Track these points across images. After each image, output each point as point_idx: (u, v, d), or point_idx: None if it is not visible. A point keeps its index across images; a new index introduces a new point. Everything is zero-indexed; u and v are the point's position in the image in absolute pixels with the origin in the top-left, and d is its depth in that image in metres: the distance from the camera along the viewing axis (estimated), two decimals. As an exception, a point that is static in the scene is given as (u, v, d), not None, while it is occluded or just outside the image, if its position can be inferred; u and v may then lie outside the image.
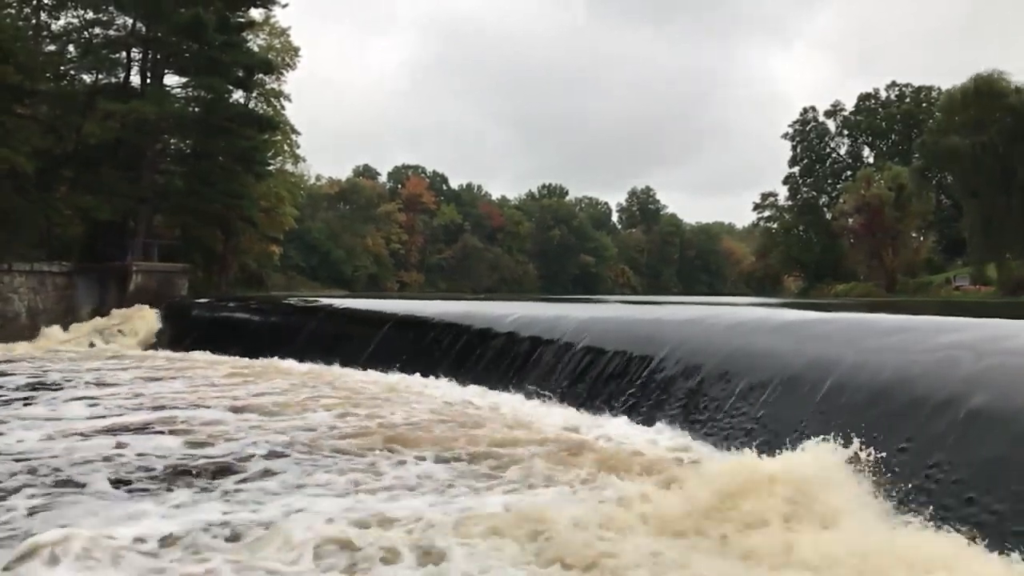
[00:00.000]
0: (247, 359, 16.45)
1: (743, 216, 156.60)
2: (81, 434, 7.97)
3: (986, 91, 42.38)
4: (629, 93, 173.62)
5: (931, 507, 4.76)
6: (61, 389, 11.57)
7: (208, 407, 9.88)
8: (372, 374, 13.51)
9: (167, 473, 6.42)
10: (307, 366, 14.95)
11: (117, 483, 6.06)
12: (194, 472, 6.49)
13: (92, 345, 20.35)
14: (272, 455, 7.13)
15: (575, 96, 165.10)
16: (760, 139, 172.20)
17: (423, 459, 6.98)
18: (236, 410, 9.69)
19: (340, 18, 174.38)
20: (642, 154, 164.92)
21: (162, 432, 8.13)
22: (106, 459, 6.81)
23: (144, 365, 15.74)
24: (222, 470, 6.58)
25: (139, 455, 7.01)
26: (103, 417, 9.10)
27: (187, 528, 4.88)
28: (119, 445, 7.36)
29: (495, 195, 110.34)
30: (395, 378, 12.83)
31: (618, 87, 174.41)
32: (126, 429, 8.33)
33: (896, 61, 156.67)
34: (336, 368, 14.52)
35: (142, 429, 8.34)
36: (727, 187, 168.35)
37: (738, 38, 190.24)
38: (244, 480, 6.25)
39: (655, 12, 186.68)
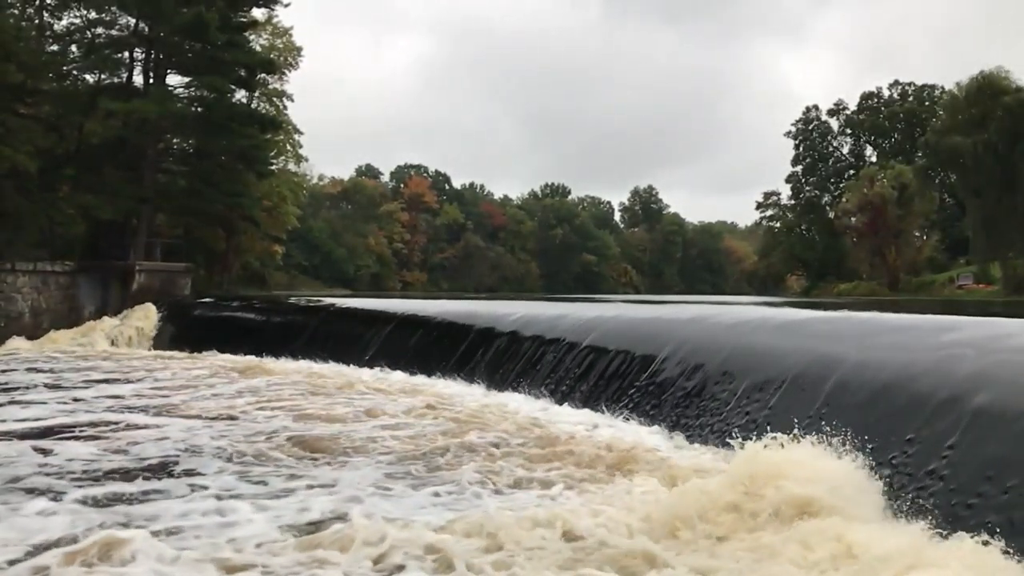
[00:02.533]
0: (239, 357, 16.53)
1: (747, 216, 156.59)
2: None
3: (987, 89, 42.24)
4: (637, 93, 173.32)
5: (933, 504, 4.74)
6: (16, 390, 11.50)
7: (146, 412, 9.65)
8: (367, 372, 13.55)
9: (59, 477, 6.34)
10: (302, 364, 15.00)
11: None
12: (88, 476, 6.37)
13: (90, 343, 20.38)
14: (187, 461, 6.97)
15: (584, 95, 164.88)
16: (767, 138, 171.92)
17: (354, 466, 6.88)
18: (174, 413, 9.60)
19: (350, 18, 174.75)
20: (646, 153, 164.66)
21: (79, 437, 7.99)
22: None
23: (124, 364, 15.64)
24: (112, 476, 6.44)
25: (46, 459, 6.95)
26: (26, 421, 8.97)
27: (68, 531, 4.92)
28: (35, 449, 7.29)
29: (503, 194, 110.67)
30: (399, 377, 12.85)
31: (627, 87, 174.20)
32: (46, 434, 8.22)
33: (907, 61, 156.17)
34: (329, 366, 14.60)
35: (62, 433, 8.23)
36: (731, 187, 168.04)
37: (749, 37, 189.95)
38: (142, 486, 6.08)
39: (666, 12, 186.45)
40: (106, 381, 12.83)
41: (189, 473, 6.54)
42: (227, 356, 17.05)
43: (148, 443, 7.69)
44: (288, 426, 8.66)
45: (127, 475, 6.44)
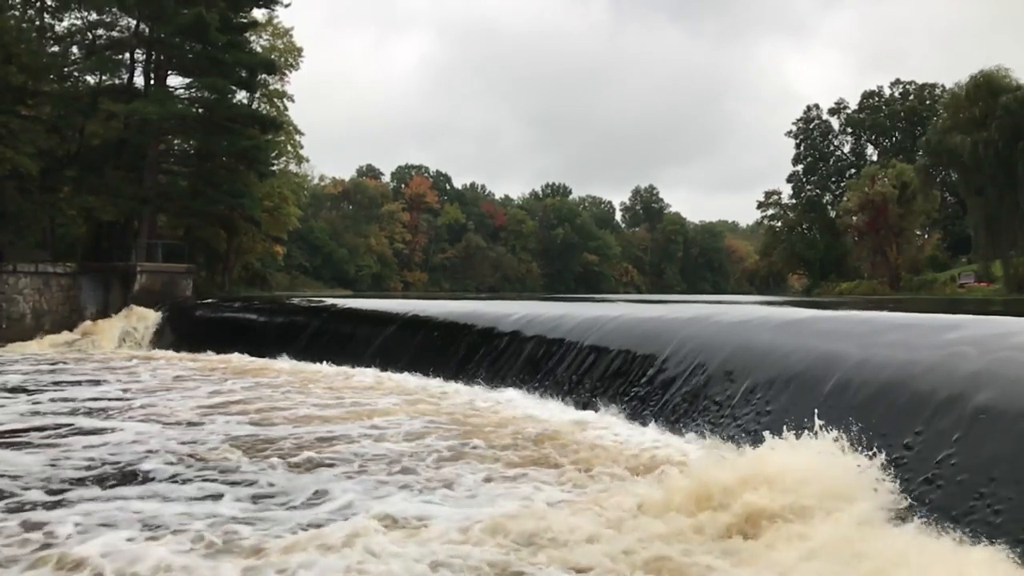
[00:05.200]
0: (233, 357, 16.55)
1: (748, 215, 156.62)
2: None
3: (987, 88, 42.15)
4: (639, 93, 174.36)
5: (934, 503, 4.73)
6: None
7: (100, 417, 9.46)
8: (365, 372, 13.59)
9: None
10: (297, 365, 15.04)
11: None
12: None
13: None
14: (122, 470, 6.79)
15: (586, 95, 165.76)
16: (768, 138, 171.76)
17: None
18: (133, 417, 9.44)
19: (354, 19, 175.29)
20: (648, 153, 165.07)
21: (20, 444, 7.84)
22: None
23: (106, 366, 15.62)
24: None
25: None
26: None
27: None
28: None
29: (504, 194, 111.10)
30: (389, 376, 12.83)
31: (629, 87, 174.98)
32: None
33: (909, 61, 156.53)
34: (325, 367, 14.65)
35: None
36: (732, 186, 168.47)
37: (751, 37, 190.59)
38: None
39: (670, 12, 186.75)
40: (77, 383, 12.69)
41: (115, 479, 6.38)
42: (222, 356, 17.03)
43: (87, 449, 7.52)
44: (235, 432, 8.36)
45: (48, 481, 6.26)
